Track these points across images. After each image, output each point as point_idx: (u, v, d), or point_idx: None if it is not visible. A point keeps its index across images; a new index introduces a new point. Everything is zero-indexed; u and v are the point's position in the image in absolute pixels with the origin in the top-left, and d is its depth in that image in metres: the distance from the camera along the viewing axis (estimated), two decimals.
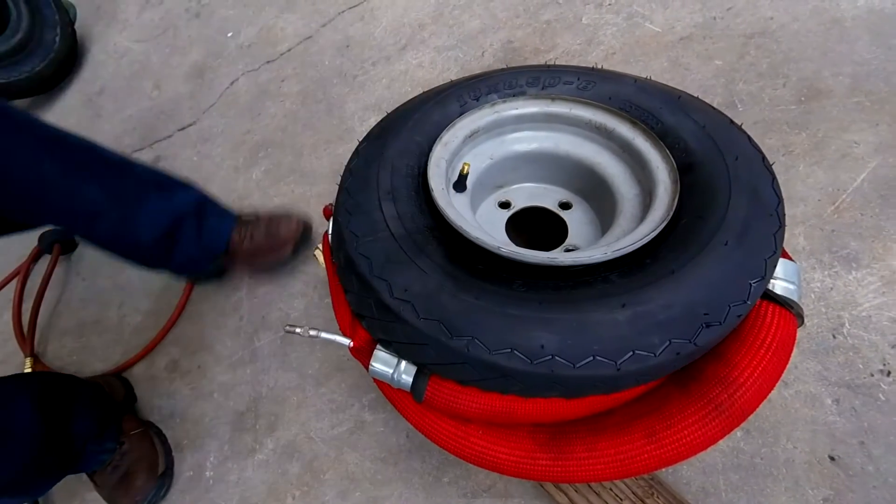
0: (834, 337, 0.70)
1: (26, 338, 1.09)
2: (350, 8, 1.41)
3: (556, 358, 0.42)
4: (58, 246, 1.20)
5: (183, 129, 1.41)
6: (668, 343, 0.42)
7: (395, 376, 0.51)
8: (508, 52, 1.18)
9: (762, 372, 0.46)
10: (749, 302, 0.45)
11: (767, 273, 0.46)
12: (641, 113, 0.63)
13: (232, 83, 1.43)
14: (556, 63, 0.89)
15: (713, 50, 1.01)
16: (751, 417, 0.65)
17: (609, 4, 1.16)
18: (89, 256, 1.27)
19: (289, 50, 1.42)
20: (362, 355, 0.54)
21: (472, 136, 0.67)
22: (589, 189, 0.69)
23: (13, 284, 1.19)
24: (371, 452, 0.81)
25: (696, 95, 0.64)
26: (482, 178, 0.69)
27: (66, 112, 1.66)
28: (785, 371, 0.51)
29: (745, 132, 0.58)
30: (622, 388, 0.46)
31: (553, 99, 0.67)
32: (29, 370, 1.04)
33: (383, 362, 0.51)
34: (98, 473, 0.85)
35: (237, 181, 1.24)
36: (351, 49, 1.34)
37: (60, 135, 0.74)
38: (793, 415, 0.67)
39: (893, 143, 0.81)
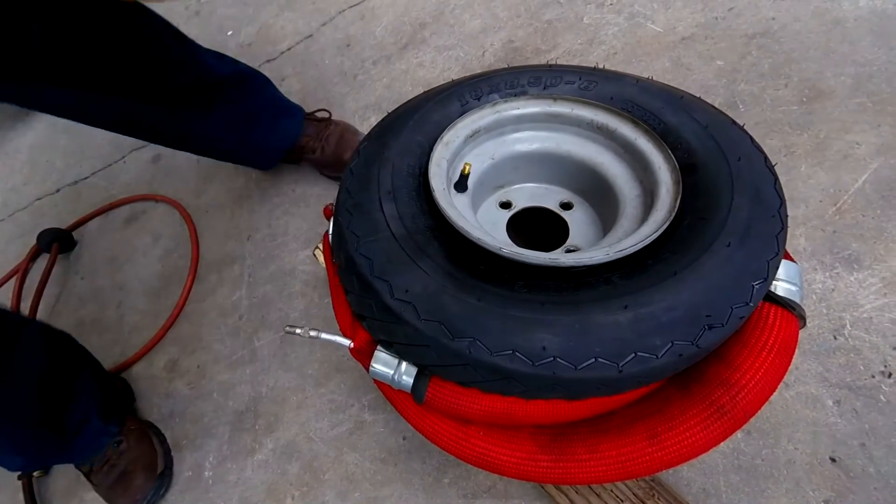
0: (835, 338, 0.70)
1: None
2: (350, 7, 1.41)
3: (558, 360, 0.42)
4: (56, 245, 1.20)
5: None
6: (670, 345, 0.42)
7: (396, 377, 0.51)
8: (509, 51, 1.17)
9: (764, 374, 0.46)
10: (751, 303, 0.44)
11: (770, 275, 0.46)
12: (643, 113, 0.63)
13: None
14: (558, 63, 0.89)
15: (715, 50, 1.00)
16: (751, 419, 0.65)
17: (610, 4, 1.15)
18: (88, 255, 1.27)
19: (289, 49, 1.42)
20: (363, 356, 0.54)
21: (474, 136, 0.67)
22: (590, 189, 0.69)
23: (11, 283, 1.19)
24: (371, 453, 0.81)
25: (697, 96, 0.64)
26: (483, 178, 0.69)
27: None
28: (786, 373, 0.51)
29: (747, 133, 0.58)
30: (624, 390, 0.46)
31: (555, 99, 0.67)
32: None
33: (384, 363, 0.51)
34: (95, 472, 0.85)
35: (237, 180, 1.23)
36: (351, 48, 1.34)
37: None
38: (794, 416, 0.67)
39: (895, 144, 0.81)
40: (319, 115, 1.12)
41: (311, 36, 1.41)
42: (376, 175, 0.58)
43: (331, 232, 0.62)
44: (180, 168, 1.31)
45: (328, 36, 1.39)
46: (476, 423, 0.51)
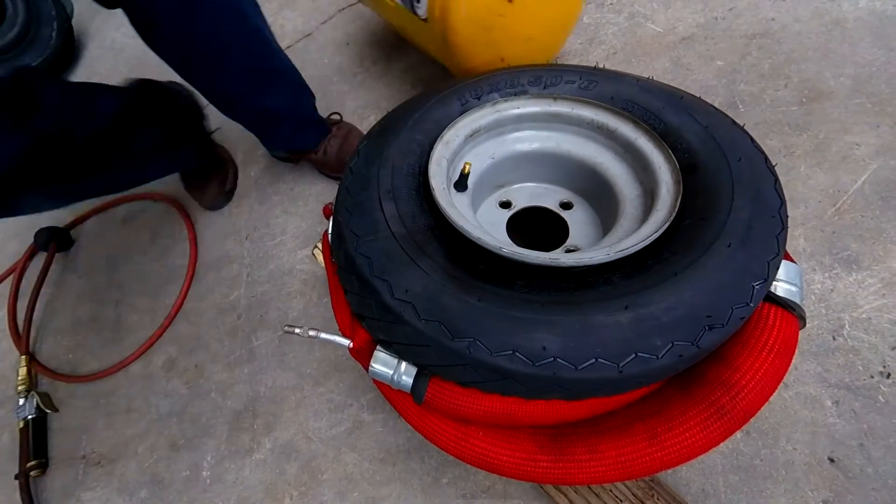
0: (834, 339, 0.70)
1: (21, 336, 1.08)
2: (350, 5, 1.40)
3: (558, 360, 0.42)
4: (54, 244, 1.20)
5: None
6: (670, 345, 0.42)
7: (396, 377, 0.51)
8: None
9: (764, 374, 0.46)
10: (752, 304, 0.44)
11: (770, 275, 0.46)
12: (644, 113, 0.63)
13: None
14: (558, 62, 0.89)
15: (715, 50, 1.00)
16: (751, 419, 0.65)
17: (610, 4, 1.15)
18: (85, 254, 1.26)
19: (288, 47, 1.41)
20: (362, 356, 0.54)
21: (474, 136, 0.67)
22: (590, 189, 0.69)
23: (9, 282, 1.18)
24: (369, 453, 0.80)
25: (697, 96, 0.64)
26: (483, 177, 0.69)
27: None
28: (786, 374, 0.51)
29: (747, 133, 0.58)
30: (624, 391, 0.46)
31: (555, 98, 0.67)
32: (24, 368, 1.03)
33: (383, 363, 0.51)
34: (186, 177, 1.17)
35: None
36: (351, 47, 1.33)
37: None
38: (793, 416, 0.67)
39: (894, 145, 0.81)
40: (333, 117, 1.12)
41: (310, 34, 1.41)
42: (376, 174, 0.58)
43: (330, 231, 0.61)
44: None
45: (328, 35, 1.38)
46: (475, 424, 0.51)
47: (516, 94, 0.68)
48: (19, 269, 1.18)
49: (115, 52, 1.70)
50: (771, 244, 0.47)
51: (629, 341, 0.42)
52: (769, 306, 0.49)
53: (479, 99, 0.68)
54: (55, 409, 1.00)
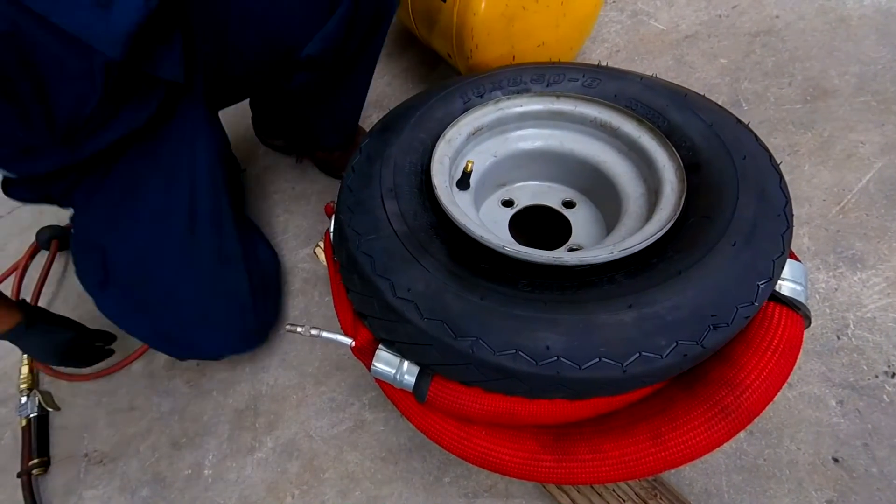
0: (838, 338, 0.70)
1: None
2: None
3: (562, 359, 0.41)
4: (56, 242, 1.19)
5: None
6: (674, 345, 0.42)
7: (398, 377, 0.50)
8: None
9: (769, 374, 0.46)
10: (756, 303, 0.44)
11: (775, 274, 0.46)
12: (647, 111, 0.62)
13: None
14: (560, 61, 0.88)
15: (718, 48, 1.00)
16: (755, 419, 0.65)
17: (613, 2, 1.15)
18: None
19: None
20: (364, 355, 0.54)
21: (476, 134, 0.66)
22: (593, 188, 0.68)
23: (11, 280, 1.18)
24: (371, 451, 0.80)
25: (701, 94, 0.63)
26: (486, 176, 0.68)
27: None
28: (790, 373, 0.51)
29: (752, 131, 0.57)
30: (628, 390, 0.46)
31: (558, 96, 0.67)
32: (26, 367, 1.03)
33: (385, 362, 0.51)
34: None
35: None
36: None
37: None
38: (797, 416, 0.67)
39: None
40: None
41: None
42: (378, 172, 0.57)
43: (332, 229, 0.61)
44: None
45: None
46: (478, 423, 0.51)
47: (519, 92, 0.68)
48: (21, 268, 1.18)
49: None
50: (776, 243, 0.47)
51: (633, 340, 0.42)
52: (774, 305, 0.48)
53: (481, 97, 0.68)
54: (57, 408, 1.00)
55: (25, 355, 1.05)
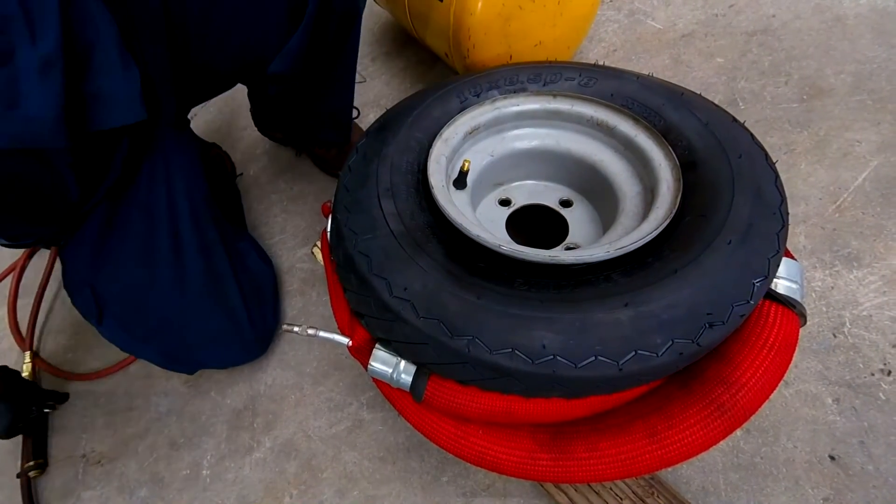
0: (835, 336, 0.70)
1: (26, 336, 1.08)
2: None
3: (558, 358, 0.42)
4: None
5: None
6: (670, 343, 0.42)
7: (395, 376, 0.50)
8: None
9: (765, 372, 0.46)
10: (752, 301, 0.44)
11: (770, 272, 0.46)
12: (644, 110, 0.62)
13: None
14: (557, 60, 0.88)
15: (715, 47, 1.00)
16: (751, 417, 0.65)
17: (610, 1, 1.15)
18: None
19: None
20: (361, 354, 0.54)
21: (473, 133, 0.66)
22: (590, 187, 0.68)
23: (8, 280, 1.18)
24: (369, 451, 0.80)
25: (698, 93, 0.63)
26: (482, 175, 0.68)
27: None
28: (786, 371, 0.51)
29: (747, 130, 0.58)
30: (624, 388, 0.46)
31: (554, 95, 0.67)
32: (28, 364, 1.03)
33: (382, 362, 0.51)
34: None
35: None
36: None
37: None
38: (793, 414, 0.67)
39: (895, 142, 0.80)
40: None
41: None
42: (375, 172, 0.57)
43: (329, 229, 0.61)
44: None
45: None
46: (475, 422, 0.51)
47: (516, 92, 0.68)
48: (20, 267, 1.18)
49: None
50: (771, 241, 0.47)
51: (629, 339, 0.42)
52: (770, 304, 0.49)
53: (478, 96, 0.68)
54: (55, 407, 1.00)
55: (27, 352, 1.05)
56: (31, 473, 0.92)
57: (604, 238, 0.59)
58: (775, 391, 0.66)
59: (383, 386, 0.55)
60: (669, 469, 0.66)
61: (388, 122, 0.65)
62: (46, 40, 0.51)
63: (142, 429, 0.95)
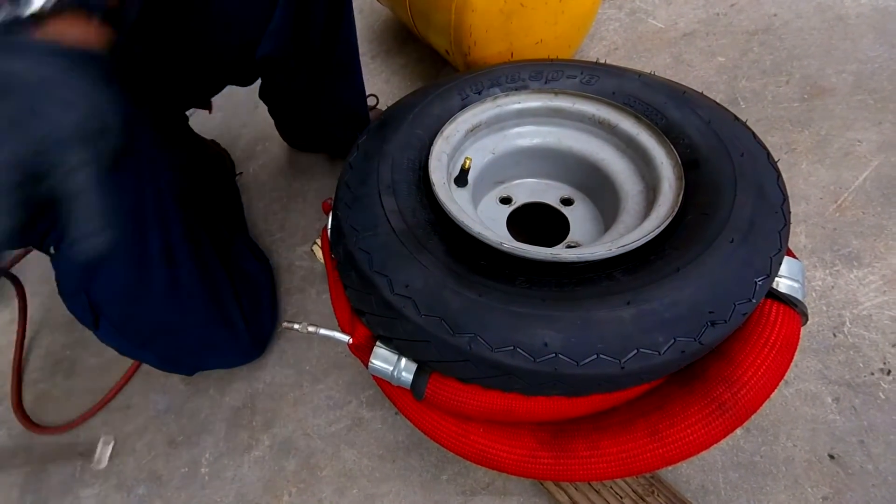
0: (835, 335, 0.70)
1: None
2: None
3: (560, 356, 0.41)
4: None
5: None
6: (673, 341, 0.42)
7: (395, 374, 0.50)
8: None
9: (766, 371, 0.46)
10: (754, 300, 0.44)
11: (773, 271, 0.46)
12: (646, 108, 0.62)
13: None
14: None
15: (716, 46, 1.00)
16: (752, 416, 0.65)
17: (612, 0, 1.14)
18: None
19: None
20: (362, 352, 0.54)
21: (474, 131, 0.66)
22: (591, 185, 0.68)
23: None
24: (369, 449, 0.80)
25: (700, 91, 0.63)
26: (484, 173, 0.68)
27: None
28: (787, 370, 0.51)
29: (750, 129, 0.57)
30: (626, 387, 0.46)
31: (556, 93, 0.66)
32: None
33: (383, 359, 0.51)
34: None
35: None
36: None
37: None
38: (793, 413, 0.67)
39: None
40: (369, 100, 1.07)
41: None
42: (376, 169, 0.57)
43: (329, 226, 0.61)
44: None
45: None
46: (476, 420, 0.51)
47: (517, 89, 0.68)
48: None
49: None
50: (773, 240, 0.47)
51: (631, 337, 0.42)
52: (771, 302, 0.48)
53: (479, 94, 0.68)
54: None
55: None
56: None
57: (605, 236, 0.59)
58: (776, 391, 0.66)
59: (383, 384, 0.55)
60: (669, 468, 0.66)
61: (389, 120, 0.64)
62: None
63: (140, 427, 0.94)
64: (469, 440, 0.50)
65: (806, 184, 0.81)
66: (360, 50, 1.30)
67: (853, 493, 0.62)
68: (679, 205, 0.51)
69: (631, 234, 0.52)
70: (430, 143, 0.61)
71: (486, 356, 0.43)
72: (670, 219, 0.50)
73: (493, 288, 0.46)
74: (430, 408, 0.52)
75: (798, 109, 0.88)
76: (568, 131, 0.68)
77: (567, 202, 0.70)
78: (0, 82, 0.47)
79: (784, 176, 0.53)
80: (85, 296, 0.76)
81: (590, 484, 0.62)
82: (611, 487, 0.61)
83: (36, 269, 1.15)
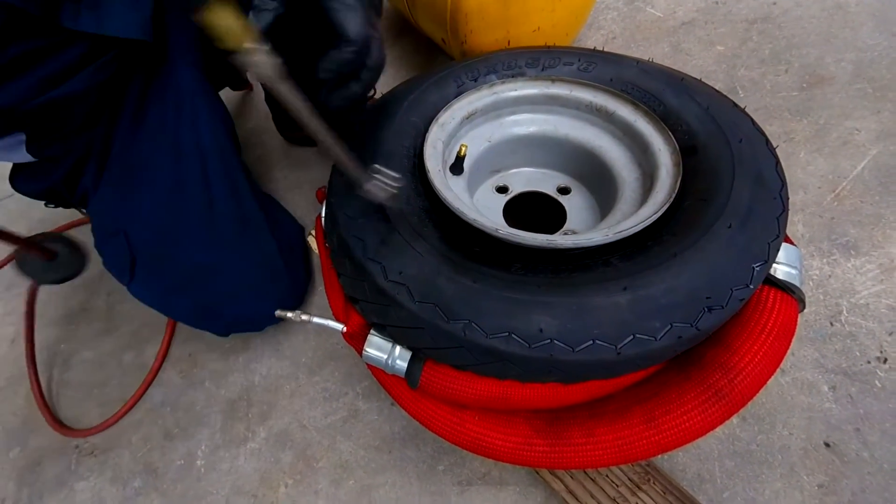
0: (832, 324, 0.70)
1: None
2: None
3: (555, 342, 0.41)
4: None
5: None
6: (669, 327, 0.41)
7: (390, 362, 0.50)
8: None
9: (763, 357, 0.46)
10: (751, 286, 0.44)
11: (770, 257, 0.45)
12: (643, 95, 0.62)
13: None
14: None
15: (715, 35, 0.99)
16: (747, 404, 0.64)
17: None
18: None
19: None
20: (356, 341, 0.53)
21: (470, 118, 0.65)
22: (589, 173, 0.68)
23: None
24: (365, 441, 0.80)
25: (698, 78, 0.63)
26: (480, 161, 0.67)
27: None
28: (784, 357, 0.50)
29: (748, 115, 0.57)
30: (622, 373, 0.45)
31: (553, 80, 0.66)
32: None
33: (377, 347, 0.50)
34: None
35: None
36: None
37: None
38: (789, 402, 0.67)
39: (895, 131, 0.80)
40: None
41: None
42: (371, 156, 0.56)
43: (323, 214, 0.60)
44: None
45: None
46: (471, 408, 0.50)
47: (514, 76, 0.67)
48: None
49: None
50: (771, 226, 0.47)
51: (627, 323, 0.41)
52: (769, 289, 0.48)
53: (475, 81, 0.67)
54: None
55: None
56: None
57: (602, 223, 0.58)
58: (772, 379, 0.66)
59: (378, 373, 0.55)
60: (666, 457, 0.66)
61: (385, 106, 0.63)
62: None
63: (135, 419, 0.94)
64: (464, 428, 0.49)
65: (804, 173, 0.81)
66: None
67: (849, 480, 0.62)
68: (677, 191, 0.51)
69: (628, 220, 0.51)
70: (426, 131, 0.60)
71: (480, 342, 0.42)
72: (667, 205, 0.50)
73: (488, 274, 0.45)
74: (424, 396, 0.52)
75: (797, 98, 0.88)
76: (565, 119, 0.67)
77: (564, 191, 0.70)
78: None
79: (782, 165, 0.53)
80: (123, 237, 0.74)
81: (585, 472, 0.62)
82: (606, 476, 0.61)
83: None
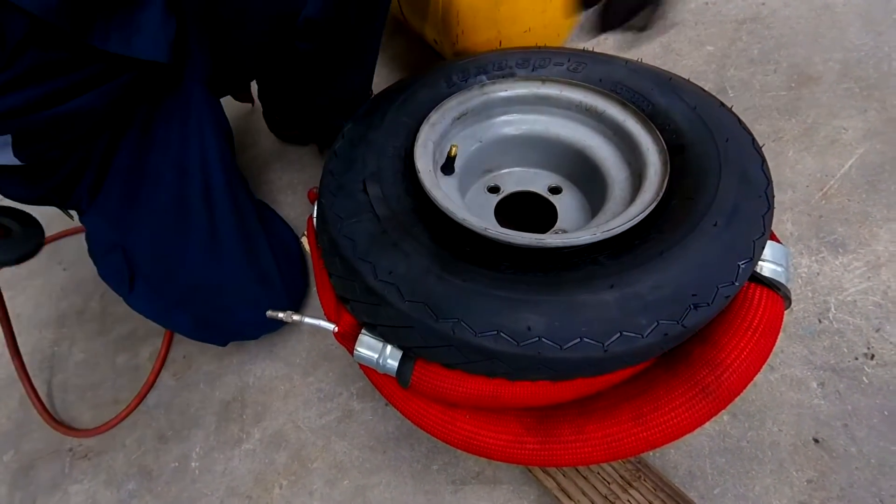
0: (820, 321, 0.71)
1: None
2: None
3: (543, 339, 0.41)
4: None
5: None
6: (655, 324, 0.42)
7: (381, 361, 0.50)
8: None
9: (749, 354, 0.46)
10: (737, 283, 0.44)
11: (756, 254, 0.46)
12: (632, 95, 0.62)
13: None
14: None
15: (705, 35, 1.00)
16: (737, 401, 0.65)
17: None
18: (70, 246, 1.24)
19: None
20: (347, 340, 0.53)
21: (461, 118, 0.66)
22: (579, 173, 0.68)
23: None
24: (359, 441, 0.80)
25: (686, 78, 0.63)
26: (470, 161, 0.68)
27: None
28: (771, 355, 0.51)
29: (735, 114, 0.57)
30: (610, 370, 0.46)
31: (543, 81, 0.66)
32: None
33: (368, 347, 0.50)
34: None
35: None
36: None
37: None
38: (778, 398, 0.68)
39: (882, 129, 0.81)
40: None
41: None
42: (361, 156, 0.57)
43: (315, 215, 0.60)
44: None
45: None
46: (462, 407, 0.51)
47: (504, 77, 0.67)
48: None
49: None
50: (757, 224, 0.47)
51: (614, 320, 0.42)
52: (754, 286, 0.49)
53: (466, 81, 0.67)
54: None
55: None
56: None
57: (591, 222, 0.59)
58: (761, 376, 0.66)
59: (370, 373, 0.55)
60: (657, 454, 0.67)
61: (375, 107, 0.64)
62: None
63: (129, 422, 0.94)
64: (455, 427, 0.50)
65: (792, 172, 0.82)
66: None
67: (837, 475, 0.62)
68: (664, 190, 0.51)
69: (616, 219, 0.52)
70: (416, 131, 0.60)
71: (469, 341, 0.42)
72: (655, 203, 0.50)
73: (477, 273, 0.45)
74: (416, 395, 0.52)
75: (785, 98, 0.89)
76: (555, 119, 0.68)
77: (555, 191, 0.70)
78: None
79: (771, 164, 0.53)
80: (121, 252, 0.73)
81: (577, 470, 0.62)
82: (598, 473, 0.61)
83: (29, 264, 1.13)
